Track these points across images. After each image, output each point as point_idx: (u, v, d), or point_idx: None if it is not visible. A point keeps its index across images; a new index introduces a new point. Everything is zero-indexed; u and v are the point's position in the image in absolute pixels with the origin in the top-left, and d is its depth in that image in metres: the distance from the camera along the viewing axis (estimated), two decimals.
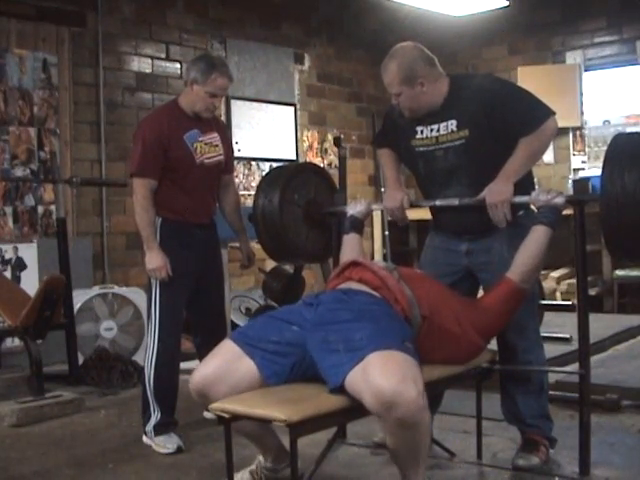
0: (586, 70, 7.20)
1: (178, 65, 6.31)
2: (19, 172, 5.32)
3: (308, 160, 7.16)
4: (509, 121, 2.88)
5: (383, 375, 2.22)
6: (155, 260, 3.43)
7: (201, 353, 3.55)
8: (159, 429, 3.45)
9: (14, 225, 5.30)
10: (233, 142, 5.65)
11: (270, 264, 5.22)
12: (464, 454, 3.14)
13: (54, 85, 5.51)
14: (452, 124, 2.94)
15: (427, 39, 3.57)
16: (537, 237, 2.82)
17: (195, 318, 3.71)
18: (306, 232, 3.47)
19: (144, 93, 6.10)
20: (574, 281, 5.52)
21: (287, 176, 3.46)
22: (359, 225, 3.27)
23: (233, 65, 6.39)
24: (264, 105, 6.94)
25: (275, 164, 5.84)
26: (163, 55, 6.25)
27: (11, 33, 5.30)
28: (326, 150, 7.51)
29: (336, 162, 6.59)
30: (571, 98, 7.09)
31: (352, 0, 7.15)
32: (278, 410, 2.26)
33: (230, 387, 2.46)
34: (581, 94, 7.17)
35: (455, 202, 2.99)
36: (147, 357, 3.50)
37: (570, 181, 7.08)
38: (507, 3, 6.78)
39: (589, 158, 7.23)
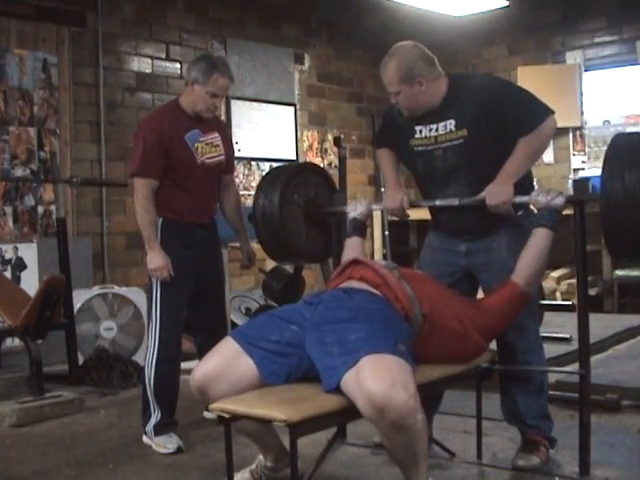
0: (586, 70, 7.20)
1: (178, 65, 6.31)
2: (19, 172, 5.32)
3: (308, 160, 7.16)
4: (508, 121, 2.88)
5: (374, 380, 2.23)
6: (156, 260, 3.43)
7: (202, 353, 3.54)
8: (159, 429, 3.45)
9: (14, 225, 5.30)
10: (233, 142, 5.66)
11: (270, 264, 5.22)
12: (464, 454, 3.14)
13: (54, 85, 5.51)
14: (451, 124, 2.94)
15: (427, 39, 3.57)
16: (539, 240, 2.82)
17: (196, 318, 3.71)
18: (306, 232, 3.47)
19: (144, 93, 6.10)
20: (574, 281, 5.53)
21: (287, 176, 3.46)
22: (361, 227, 3.27)
23: (233, 65, 6.37)
24: (264, 105, 6.94)
25: (275, 164, 5.85)
26: (163, 55, 6.25)
27: (11, 33, 5.29)
28: (326, 150, 7.51)
29: (336, 162, 6.59)
30: (571, 98, 7.09)
31: (352, 0, 7.14)
32: (278, 410, 2.26)
33: (230, 385, 2.47)
34: (581, 94, 7.17)
35: (455, 202, 2.99)
36: (147, 357, 3.50)
37: (570, 181, 7.09)
38: (507, 3, 6.78)
39: (589, 158, 7.24)
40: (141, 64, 6.10)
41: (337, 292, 2.72)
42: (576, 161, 7.28)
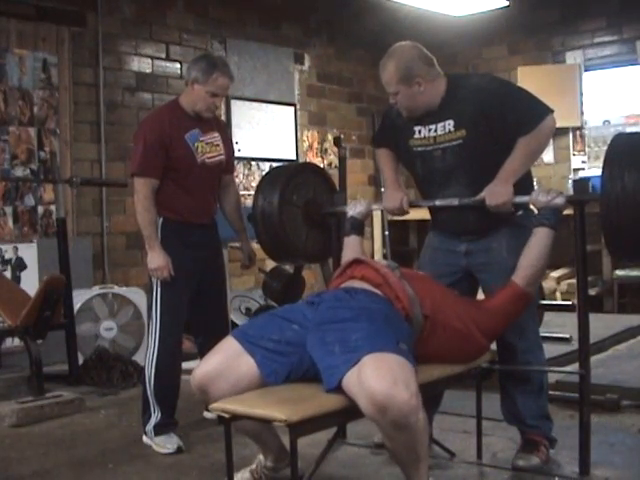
0: (586, 70, 7.20)
1: (178, 65, 6.31)
2: (19, 172, 5.31)
3: (308, 160, 7.16)
4: (507, 120, 2.87)
5: (375, 378, 2.23)
6: (157, 260, 3.43)
7: (203, 353, 3.54)
8: (159, 429, 3.45)
9: (14, 225, 5.30)
10: (233, 142, 5.65)
11: (270, 264, 5.22)
12: (464, 454, 3.14)
13: (54, 85, 5.50)
14: (449, 124, 2.94)
15: (427, 39, 3.57)
16: (540, 239, 2.82)
17: (196, 318, 3.70)
18: (306, 232, 3.47)
19: (144, 93, 6.09)
20: (574, 281, 5.53)
21: (287, 176, 3.46)
22: (359, 226, 3.27)
23: (233, 65, 6.37)
24: (264, 105, 6.94)
25: (275, 164, 5.84)
26: (163, 55, 6.24)
27: (11, 33, 5.29)
28: (326, 150, 7.51)
29: (336, 162, 6.59)
30: (571, 98, 7.08)
31: (352, 0, 7.14)
32: (278, 410, 2.26)
33: (231, 384, 2.48)
34: (581, 94, 7.17)
35: (455, 202, 2.99)
36: (148, 357, 3.50)
37: (570, 181, 7.08)
38: (507, 3, 6.77)
39: (589, 158, 7.24)
40: (141, 64, 6.09)
41: (338, 292, 2.72)
42: (576, 161, 7.28)
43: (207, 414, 3.59)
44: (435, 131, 2.97)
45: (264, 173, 3.77)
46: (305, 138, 7.35)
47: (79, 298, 4.95)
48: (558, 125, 2.95)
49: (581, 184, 3.10)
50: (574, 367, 3.23)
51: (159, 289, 3.48)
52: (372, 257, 7.04)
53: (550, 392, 3.23)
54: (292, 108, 7.19)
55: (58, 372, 4.70)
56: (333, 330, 2.47)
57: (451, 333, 2.71)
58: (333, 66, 7.65)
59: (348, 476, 3.05)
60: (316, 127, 7.46)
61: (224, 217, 3.84)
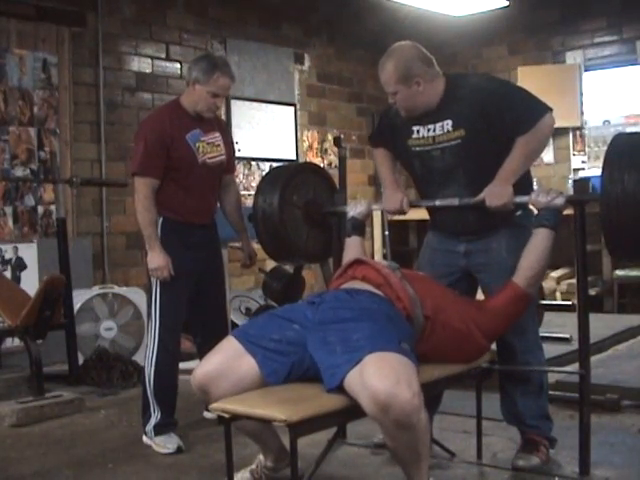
0: (586, 70, 7.20)
1: (178, 65, 6.31)
2: (19, 172, 5.31)
3: (308, 160, 7.16)
4: (505, 120, 2.87)
5: (378, 377, 2.23)
6: (157, 260, 3.43)
7: (202, 353, 3.54)
8: (159, 429, 3.45)
9: (14, 225, 5.30)
10: (234, 142, 5.66)
11: (270, 264, 5.22)
12: (464, 454, 3.14)
13: (54, 85, 5.50)
14: (448, 124, 2.93)
15: (427, 39, 3.57)
16: (540, 240, 2.82)
17: (196, 318, 3.70)
18: (306, 232, 3.47)
19: (144, 93, 6.09)
20: (574, 281, 5.53)
21: (287, 176, 3.46)
22: (360, 227, 3.27)
23: (233, 65, 6.27)
24: (264, 105, 6.94)
25: (275, 164, 5.84)
26: (163, 55, 6.24)
27: (11, 33, 5.29)
28: (326, 150, 7.51)
29: (336, 162, 6.58)
30: (571, 98, 7.09)
31: (352, 0, 7.15)
32: (278, 410, 2.26)
33: (231, 384, 2.48)
34: (581, 94, 7.17)
35: (455, 202, 2.98)
36: (147, 357, 3.50)
37: (570, 181, 7.09)
38: (507, 3, 6.78)
39: (589, 158, 7.24)
40: (141, 64, 6.09)
41: (339, 292, 2.72)
42: (576, 161, 7.28)
43: (207, 414, 3.59)
44: (434, 131, 2.97)
45: (264, 173, 3.78)
46: (305, 138, 7.35)
47: (79, 298, 4.95)
48: (558, 125, 2.94)
49: (581, 184, 3.11)
50: (574, 367, 3.23)
51: (158, 289, 3.48)
52: (372, 257, 7.04)
53: (550, 392, 3.23)
54: (292, 108, 7.19)
55: (58, 372, 4.70)
56: (334, 330, 2.47)
57: (451, 333, 2.72)
58: (333, 66, 7.65)
59: (348, 476, 3.05)
60: (316, 127, 7.45)
61: (224, 217, 3.84)
